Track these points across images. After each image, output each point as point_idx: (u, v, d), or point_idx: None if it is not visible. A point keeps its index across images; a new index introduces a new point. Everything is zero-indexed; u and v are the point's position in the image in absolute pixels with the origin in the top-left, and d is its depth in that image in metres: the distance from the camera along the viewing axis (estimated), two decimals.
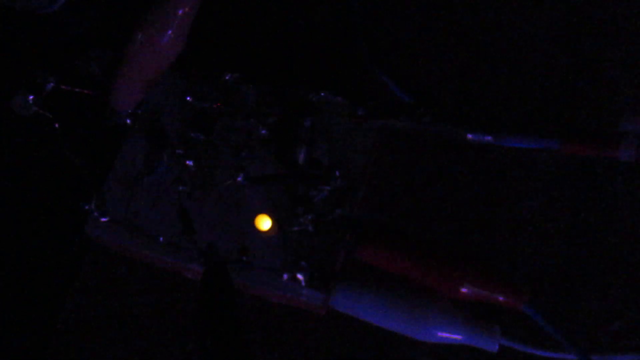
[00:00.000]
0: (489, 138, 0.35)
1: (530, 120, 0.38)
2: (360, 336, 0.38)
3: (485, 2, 0.43)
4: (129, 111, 0.40)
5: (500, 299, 0.35)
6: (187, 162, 0.39)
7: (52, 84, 0.39)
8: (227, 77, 0.40)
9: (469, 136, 0.36)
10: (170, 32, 0.34)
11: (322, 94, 0.40)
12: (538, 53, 0.41)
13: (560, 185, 0.37)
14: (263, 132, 0.39)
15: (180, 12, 0.33)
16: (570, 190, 0.37)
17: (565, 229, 0.38)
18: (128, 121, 0.40)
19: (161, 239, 0.38)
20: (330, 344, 0.38)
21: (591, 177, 0.37)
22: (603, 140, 0.32)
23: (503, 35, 0.42)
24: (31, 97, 0.38)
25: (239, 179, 0.38)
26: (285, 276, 0.36)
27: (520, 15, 0.42)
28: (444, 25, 0.43)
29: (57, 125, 0.38)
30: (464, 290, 0.35)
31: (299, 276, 0.36)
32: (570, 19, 0.41)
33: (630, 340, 0.36)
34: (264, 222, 0.36)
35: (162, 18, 0.34)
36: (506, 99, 0.39)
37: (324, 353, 0.38)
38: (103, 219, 0.39)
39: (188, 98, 0.40)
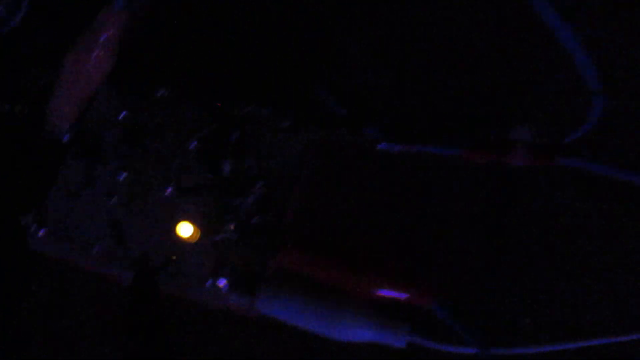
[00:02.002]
0: (398, 147, 0.38)
1: (446, 130, 0.41)
2: (292, 339, 0.41)
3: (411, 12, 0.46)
4: (67, 127, 0.43)
5: (411, 297, 0.38)
6: (120, 176, 0.41)
7: None
8: (159, 93, 0.43)
9: (379, 146, 0.39)
10: (95, 54, 0.37)
11: (250, 107, 0.43)
12: (458, 65, 0.44)
13: (472, 188, 0.40)
14: (193, 144, 0.42)
15: (103, 36, 0.37)
16: (481, 193, 0.40)
17: (478, 230, 0.41)
18: (66, 137, 0.43)
19: (95, 249, 0.41)
20: (261, 346, 0.41)
21: (499, 180, 0.40)
22: (496, 148, 0.35)
23: (426, 45, 0.45)
24: None
25: (169, 190, 0.41)
26: (209, 282, 0.39)
27: (445, 30, 0.45)
28: (372, 35, 0.46)
29: None
30: (377, 291, 0.38)
31: (220, 282, 0.38)
32: (485, 37, 0.45)
33: (537, 335, 0.39)
34: (185, 229, 0.39)
35: (87, 42, 0.37)
36: (418, 106, 0.42)
37: (251, 354, 0.40)
38: (40, 232, 0.41)
39: (123, 113, 0.43)
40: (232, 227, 0.39)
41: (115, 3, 0.36)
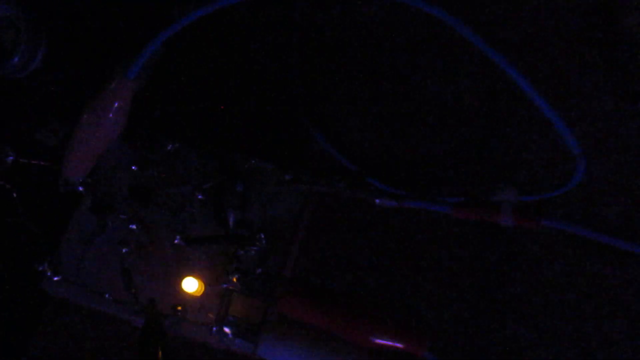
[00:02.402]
0: (393, 203, 0.41)
1: (440, 186, 0.44)
2: None
3: (410, 65, 0.49)
4: (81, 180, 0.45)
5: (405, 346, 0.40)
6: (131, 226, 0.44)
7: (11, 157, 0.45)
8: (169, 147, 0.46)
9: (377, 201, 0.41)
10: (110, 116, 0.40)
11: (253, 161, 0.45)
12: (453, 126, 0.47)
13: (461, 241, 0.43)
14: (200, 197, 0.45)
15: (115, 104, 0.39)
16: (470, 245, 0.43)
17: (467, 281, 0.43)
18: (80, 189, 0.46)
19: (107, 295, 0.43)
20: None
21: (486, 233, 0.42)
22: (485, 209, 0.38)
23: (423, 107, 0.48)
24: None
25: (177, 240, 0.44)
26: (214, 329, 0.41)
27: (440, 93, 0.48)
28: (373, 96, 0.49)
29: (15, 195, 0.44)
30: (372, 339, 0.40)
31: (226, 329, 0.41)
32: (482, 97, 0.47)
33: None
34: (190, 284, 0.42)
35: (101, 106, 0.40)
36: (415, 162, 0.45)
37: None
38: (55, 278, 0.44)
39: (133, 167, 0.46)
40: (235, 278, 0.42)
41: (129, 72, 0.39)
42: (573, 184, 0.38)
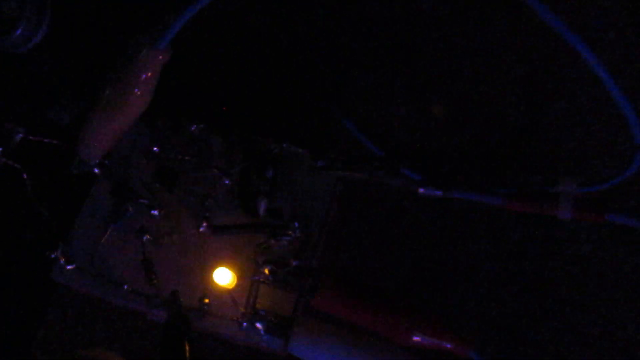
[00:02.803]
0: (438, 193, 0.38)
1: (482, 176, 0.42)
2: None
3: (448, 56, 0.46)
4: (97, 161, 0.42)
5: (449, 346, 0.37)
6: (152, 212, 0.41)
7: (20, 135, 0.41)
8: (192, 128, 0.43)
9: (421, 190, 0.39)
10: (136, 90, 0.37)
11: (284, 145, 0.42)
12: (494, 112, 0.44)
13: (506, 236, 0.40)
14: (226, 182, 0.42)
15: (143, 76, 0.36)
16: (515, 240, 0.40)
17: (510, 277, 0.41)
18: (96, 170, 0.42)
19: (125, 287, 0.40)
20: None
21: (533, 229, 0.40)
22: (542, 200, 0.35)
23: (465, 92, 0.45)
24: (0, 149, 0.40)
25: (202, 228, 0.40)
26: (244, 324, 0.38)
27: (483, 76, 0.45)
28: (407, 78, 0.46)
29: (25, 176, 0.40)
30: (414, 338, 0.37)
31: (258, 325, 0.38)
32: (527, 80, 0.45)
33: None
34: (222, 276, 0.39)
35: (128, 79, 0.37)
36: (463, 152, 0.42)
37: None
38: (69, 267, 0.41)
39: (155, 149, 0.42)
40: (267, 269, 0.39)
41: (159, 43, 0.36)
42: (628, 174, 0.36)
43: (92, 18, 0.49)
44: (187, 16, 0.34)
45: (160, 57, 0.36)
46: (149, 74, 0.37)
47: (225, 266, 0.40)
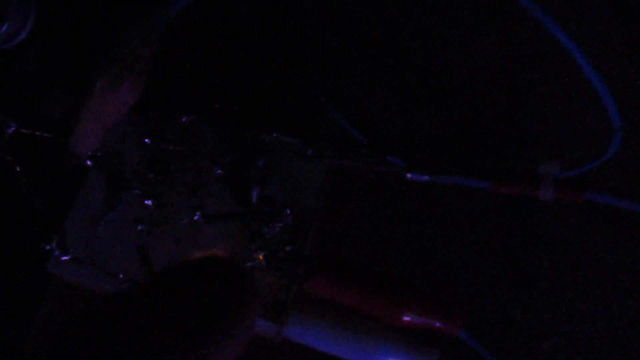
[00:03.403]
0: (426, 177, 0.40)
1: (467, 161, 0.43)
2: None
3: (432, 43, 0.47)
4: (89, 153, 0.42)
5: (438, 325, 0.39)
6: (146, 202, 0.42)
7: (13, 128, 0.42)
8: (184, 119, 0.44)
9: (408, 175, 0.40)
10: (127, 82, 0.38)
11: (275, 134, 0.43)
12: (479, 98, 0.46)
13: (492, 218, 0.42)
14: (219, 171, 0.43)
15: (137, 66, 0.37)
16: (501, 222, 0.42)
17: (497, 258, 0.42)
18: (88, 163, 0.43)
19: (121, 276, 0.41)
20: None
21: (519, 210, 0.41)
22: (526, 182, 0.37)
23: (448, 78, 0.47)
24: None
25: (196, 217, 0.41)
26: None
27: (465, 62, 0.47)
28: (394, 64, 0.48)
29: (18, 169, 0.41)
30: (405, 318, 0.39)
31: None
32: (508, 65, 0.46)
33: (555, 358, 0.41)
34: None
35: (120, 71, 0.37)
36: (448, 138, 0.44)
37: None
38: (64, 258, 0.41)
39: (146, 140, 0.43)
40: (260, 256, 0.40)
41: (150, 36, 0.36)
42: (607, 157, 0.38)
43: (78, 12, 0.49)
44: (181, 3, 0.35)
45: (150, 48, 0.37)
46: (141, 64, 0.37)
47: (217, 253, 0.40)
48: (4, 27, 0.47)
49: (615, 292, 0.40)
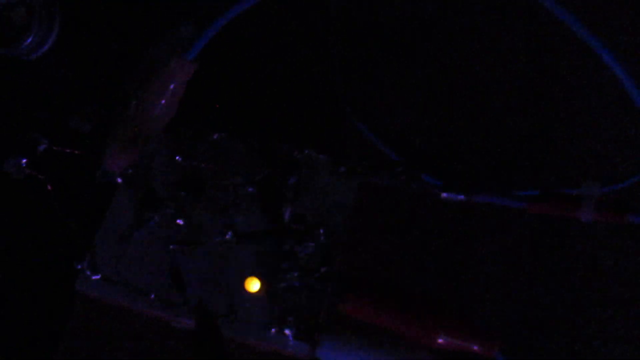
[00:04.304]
0: (461, 197, 0.39)
1: (503, 179, 0.43)
2: None
3: (463, 59, 0.47)
4: (121, 171, 0.42)
5: (475, 347, 0.38)
6: (178, 221, 0.41)
7: (44, 146, 0.42)
8: (215, 137, 0.43)
9: (444, 195, 0.40)
10: (163, 102, 0.37)
11: (306, 151, 0.43)
12: (514, 118, 0.45)
13: (527, 240, 0.41)
14: (250, 189, 0.42)
15: (172, 86, 0.37)
16: (536, 245, 0.42)
17: (533, 279, 0.42)
18: (119, 180, 0.43)
19: (152, 296, 0.40)
20: None
21: (554, 232, 0.41)
22: (565, 203, 0.36)
23: (482, 95, 0.46)
24: (24, 160, 0.40)
25: (228, 236, 0.41)
26: (272, 330, 0.39)
27: (500, 77, 0.46)
28: (427, 81, 0.47)
29: (49, 187, 0.41)
30: (440, 340, 0.38)
31: (287, 331, 0.39)
32: (543, 80, 0.46)
33: None
34: (253, 285, 0.40)
35: (156, 88, 0.37)
36: (483, 156, 0.43)
37: None
38: (95, 277, 0.41)
39: (177, 157, 0.43)
40: (294, 275, 0.40)
41: (189, 53, 0.36)
42: None
43: (102, 23, 0.49)
44: (218, 25, 0.35)
45: (190, 68, 0.37)
46: (177, 85, 0.37)
47: (252, 273, 0.40)
48: (30, 39, 0.48)
49: None
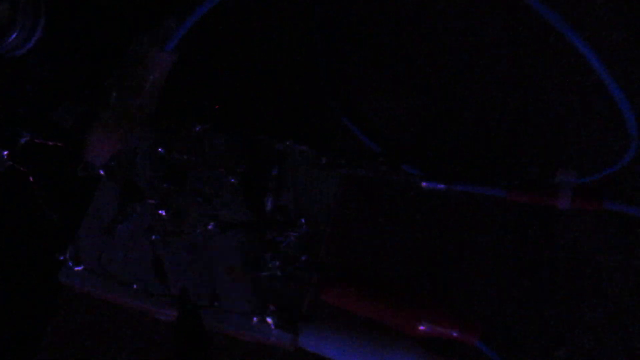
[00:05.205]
0: (441, 186, 0.40)
1: (482, 169, 0.43)
2: None
3: (445, 51, 0.47)
4: (103, 163, 0.42)
5: (455, 334, 0.39)
6: (160, 212, 0.42)
7: (26, 138, 0.42)
8: (197, 129, 0.44)
9: (424, 184, 0.40)
10: (144, 93, 0.38)
11: (288, 142, 0.43)
12: (493, 105, 0.46)
13: (507, 227, 0.42)
14: (232, 180, 0.43)
15: (151, 77, 0.37)
16: (516, 231, 0.42)
17: (513, 266, 0.42)
18: (101, 172, 0.43)
19: (135, 286, 0.41)
20: None
21: (533, 219, 0.42)
22: (543, 191, 0.37)
23: (462, 86, 0.47)
24: (5, 152, 0.41)
25: (210, 226, 0.41)
26: (255, 319, 0.39)
27: (479, 69, 0.47)
28: (407, 73, 0.48)
29: (31, 179, 0.41)
30: (421, 327, 0.39)
31: (268, 319, 0.39)
32: (523, 72, 0.47)
33: None
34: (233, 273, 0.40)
35: (135, 81, 0.37)
36: (462, 146, 0.44)
37: None
38: (77, 268, 0.41)
39: (160, 149, 0.43)
40: (276, 264, 0.40)
41: (167, 44, 0.36)
42: (622, 165, 0.38)
43: (87, 19, 0.49)
44: (195, 18, 0.35)
45: (169, 59, 0.37)
46: (157, 76, 0.37)
47: (234, 263, 0.40)
48: (14, 35, 0.47)
49: (632, 300, 0.40)
